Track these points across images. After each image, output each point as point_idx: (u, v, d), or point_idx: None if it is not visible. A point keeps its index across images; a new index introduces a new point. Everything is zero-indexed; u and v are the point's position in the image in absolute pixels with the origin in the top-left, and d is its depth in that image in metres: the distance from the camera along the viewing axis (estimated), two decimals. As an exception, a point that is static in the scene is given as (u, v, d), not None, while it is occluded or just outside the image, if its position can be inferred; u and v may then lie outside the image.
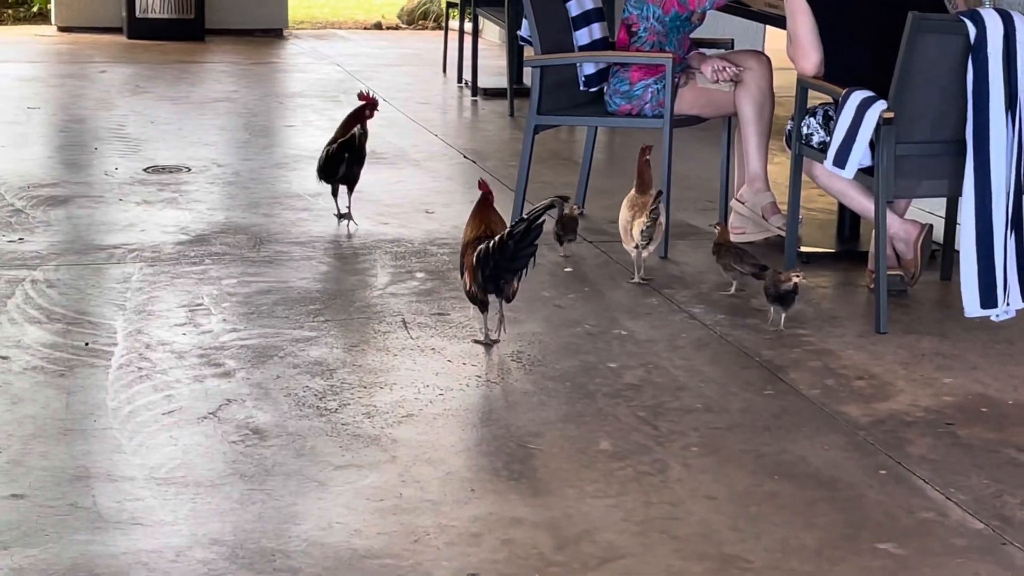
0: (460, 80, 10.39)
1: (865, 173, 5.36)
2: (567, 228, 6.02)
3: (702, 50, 6.43)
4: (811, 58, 5.54)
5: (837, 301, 5.68)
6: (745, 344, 5.10)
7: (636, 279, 5.76)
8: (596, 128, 6.84)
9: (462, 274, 5.02)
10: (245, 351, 4.90)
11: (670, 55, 6.09)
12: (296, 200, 6.95)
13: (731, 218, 6.41)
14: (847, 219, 6.34)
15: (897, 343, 5.17)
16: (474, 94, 10.01)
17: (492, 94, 9.91)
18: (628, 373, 4.80)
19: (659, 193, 5.62)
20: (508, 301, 5.02)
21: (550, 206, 4.90)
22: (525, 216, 4.85)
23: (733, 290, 5.67)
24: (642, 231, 5.58)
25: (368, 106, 6.64)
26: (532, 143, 6.35)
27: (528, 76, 7.65)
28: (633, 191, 5.78)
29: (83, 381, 4.60)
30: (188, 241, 6.19)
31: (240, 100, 9.53)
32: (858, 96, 5.26)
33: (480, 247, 4.90)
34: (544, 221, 4.84)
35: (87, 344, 4.91)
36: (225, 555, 3.54)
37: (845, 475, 4.08)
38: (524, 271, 4.94)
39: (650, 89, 6.24)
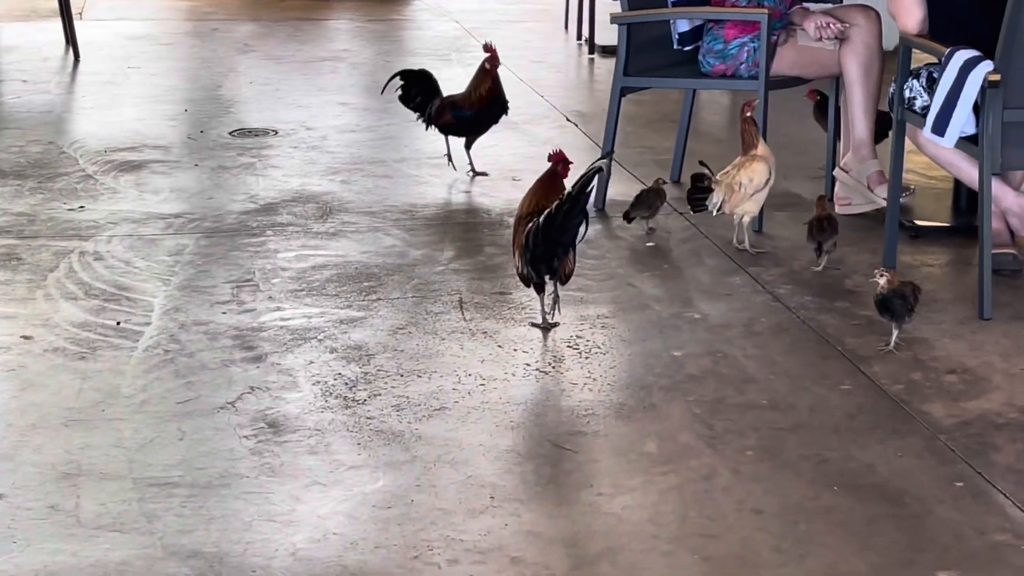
0: (580, 37, 9.95)
1: (969, 142, 4.83)
2: (639, 203, 5.55)
3: (805, 4, 5.92)
4: (914, 15, 5.02)
5: (942, 282, 5.17)
6: (828, 331, 4.63)
7: (746, 246, 5.33)
8: (694, 91, 6.35)
9: (513, 253, 4.62)
10: (283, 333, 4.57)
11: (766, 10, 5.61)
12: (378, 166, 6.60)
13: (836, 188, 5.91)
14: (964, 189, 5.79)
15: (1001, 332, 4.66)
16: (591, 52, 9.58)
17: (610, 52, 9.42)
18: (692, 363, 4.37)
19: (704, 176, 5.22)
20: (563, 283, 4.61)
21: (598, 171, 4.46)
22: (572, 186, 4.43)
23: (821, 267, 5.19)
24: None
25: (490, 59, 6.31)
26: (618, 108, 5.91)
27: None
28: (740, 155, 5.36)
29: (103, 365, 4.30)
30: (254, 210, 5.88)
31: (348, 60, 9.21)
32: (962, 56, 4.74)
33: (530, 225, 4.49)
34: (592, 189, 4.41)
35: (118, 323, 4.62)
36: (200, 570, 3.20)
37: (915, 487, 3.62)
38: (573, 247, 4.51)
39: (746, 48, 5.77)
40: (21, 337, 4.50)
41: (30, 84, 8.26)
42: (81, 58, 8.99)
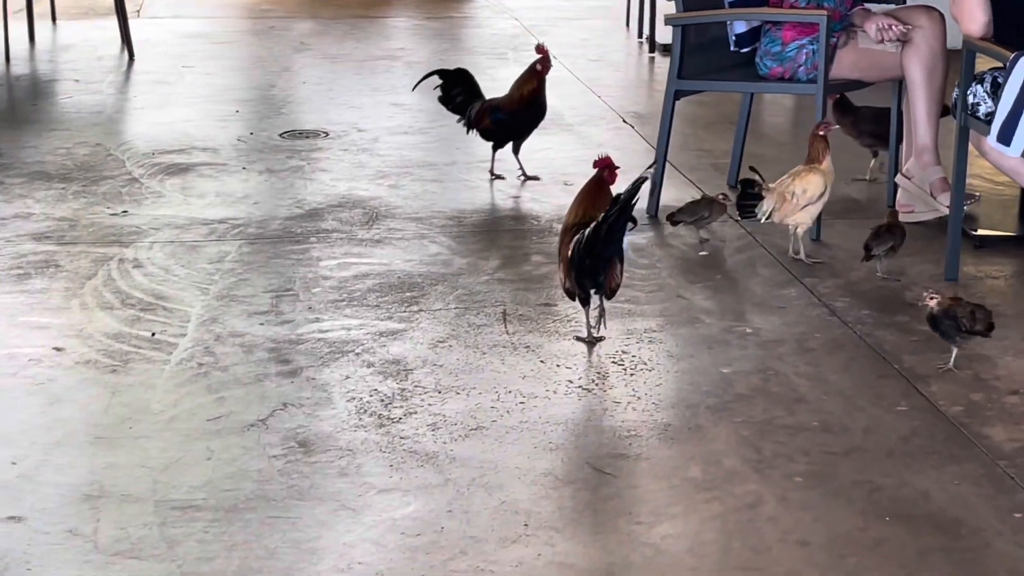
0: (640, 35, 9.79)
1: (1036, 151, 4.64)
2: (685, 209, 5.38)
3: (867, 6, 5.73)
4: (977, 19, 4.83)
5: (1006, 296, 4.97)
6: (886, 347, 4.45)
7: (801, 256, 5.17)
8: (752, 94, 6.18)
9: (559, 266, 4.47)
10: (320, 346, 4.44)
11: (825, 12, 5.42)
12: (428, 170, 6.47)
13: (898, 195, 5.72)
14: (1032, 198, 5.60)
15: (1067, 349, 4.46)
16: (651, 51, 9.41)
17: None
18: (741, 381, 4.20)
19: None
20: (609, 297, 4.46)
21: (644, 181, 4.29)
22: (618, 197, 4.28)
23: (881, 273, 5.01)
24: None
25: (542, 60, 6.17)
26: (672, 111, 5.74)
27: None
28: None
29: (134, 378, 4.19)
30: (300, 216, 5.75)
31: (403, 58, 9.08)
32: (1027, 61, 4.54)
33: (575, 238, 4.34)
34: (637, 201, 4.26)
35: (153, 334, 4.51)
36: (218, 602, 3.07)
37: (971, 517, 3.44)
38: (620, 259, 4.36)
39: (804, 50, 5.58)
40: (53, 349, 4.40)
41: (82, 84, 8.19)
42: (136, 57, 8.92)
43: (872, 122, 5.99)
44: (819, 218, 5.34)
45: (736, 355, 4.40)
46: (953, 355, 4.25)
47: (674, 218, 5.37)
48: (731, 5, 5.80)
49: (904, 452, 3.78)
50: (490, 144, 6.32)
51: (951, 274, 5.02)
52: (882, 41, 5.53)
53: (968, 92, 4.89)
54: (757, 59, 5.73)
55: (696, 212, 5.37)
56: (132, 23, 9.58)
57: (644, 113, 7.58)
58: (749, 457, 3.74)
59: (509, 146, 6.32)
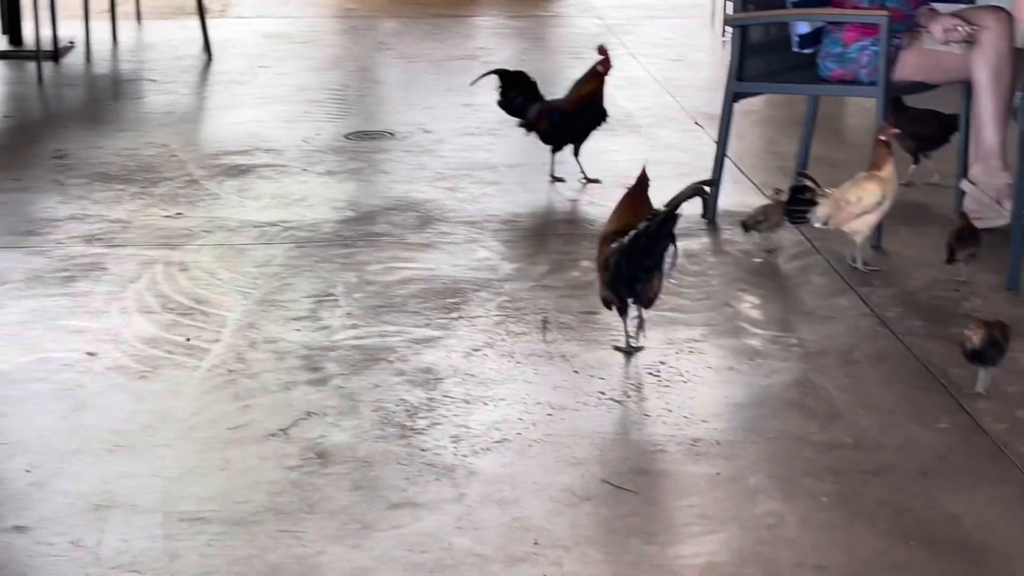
0: (724, 34, 9.64)
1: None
2: (756, 216, 5.25)
3: (933, 5, 5.56)
4: (1036, 18, 4.65)
5: (1068, 306, 4.79)
6: (933, 360, 4.31)
7: (858, 264, 5.03)
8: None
9: (598, 273, 4.37)
10: (354, 353, 4.38)
11: (886, 13, 5.27)
12: (489, 172, 6.39)
13: (965, 200, 5.55)
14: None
15: (1125, 364, 4.28)
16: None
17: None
18: (778, 394, 4.08)
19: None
20: (646, 307, 4.35)
21: (694, 193, 4.18)
22: (663, 206, 4.17)
23: (963, 277, 4.91)
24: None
25: (602, 62, 6.08)
26: (730, 114, 5.61)
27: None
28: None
29: (161, 385, 4.16)
30: (352, 219, 5.70)
31: (482, 58, 9.00)
32: (1086, 64, 4.36)
33: (613, 245, 4.24)
34: (681, 212, 4.15)
35: (187, 340, 4.47)
36: (209, 618, 3.02)
37: (1002, 543, 3.30)
38: (660, 271, 4.25)
39: (866, 52, 5.43)
40: (86, 353, 4.37)
41: (159, 84, 8.21)
42: (214, 57, 8.92)
43: (914, 124, 5.80)
44: (879, 226, 5.17)
45: (777, 367, 4.28)
46: (979, 378, 4.07)
47: (747, 225, 5.25)
48: (794, 5, 5.66)
49: (938, 472, 3.64)
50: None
51: (1011, 284, 4.86)
52: (947, 42, 5.36)
53: (1028, 96, 4.72)
54: (818, 60, 5.60)
55: (754, 218, 5.24)
56: (217, 22, 9.61)
57: (717, 115, 7.41)
58: (776, 475, 3.62)
59: (568, 152, 6.22)
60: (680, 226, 5.44)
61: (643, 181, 4.39)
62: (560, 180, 6.23)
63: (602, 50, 6.07)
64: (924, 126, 5.95)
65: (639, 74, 8.49)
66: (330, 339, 4.50)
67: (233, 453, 3.75)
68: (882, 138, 5.04)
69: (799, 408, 4.00)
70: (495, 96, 6.31)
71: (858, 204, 4.95)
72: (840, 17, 5.41)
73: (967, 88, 5.58)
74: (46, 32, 8.55)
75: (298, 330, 4.57)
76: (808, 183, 5.02)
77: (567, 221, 5.78)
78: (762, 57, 5.69)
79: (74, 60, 8.82)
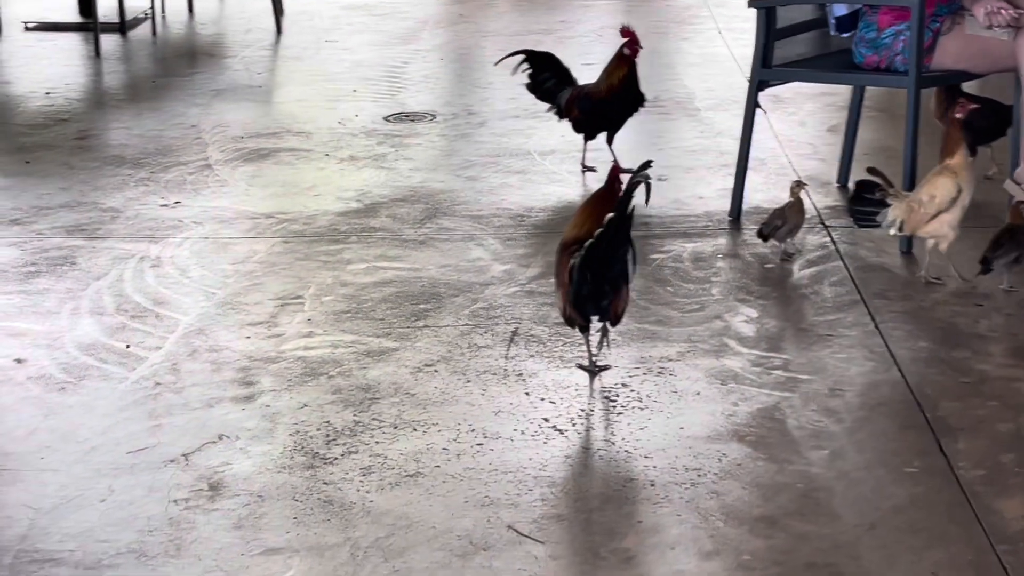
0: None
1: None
2: (772, 221, 4.81)
3: (981, -15, 5.03)
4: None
5: (1103, 326, 4.29)
6: (927, 390, 3.85)
7: (954, 274, 4.57)
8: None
9: (557, 290, 3.98)
10: (296, 366, 4.06)
11: (918, -5, 4.77)
12: (520, 160, 6.03)
13: (1013, 203, 5.03)
14: None
15: None
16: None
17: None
18: (739, 429, 3.68)
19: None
20: (614, 324, 3.96)
21: (636, 184, 3.77)
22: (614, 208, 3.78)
23: (1005, 286, 4.46)
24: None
25: (629, 43, 5.67)
26: (755, 102, 5.17)
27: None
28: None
29: (78, 399, 3.89)
30: (354, 211, 5.39)
31: (559, 33, 8.61)
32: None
33: (572, 260, 3.85)
34: (634, 209, 3.74)
35: (128, 346, 4.19)
36: None
37: (932, 622, 2.86)
38: (627, 281, 3.86)
39: (902, 37, 4.95)
40: (14, 360, 4.11)
41: (215, 59, 7.99)
42: (283, 31, 8.65)
43: (971, 113, 5.26)
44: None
45: (749, 394, 3.86)
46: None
47: (765, 233, 4.81)
48: (827, -14, 5.20)
49: (890, 528, 3.21)
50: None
51: (1043, 297, 4.37)
52: (991, 27, 4.85)
53: (1060, 91, 4.21)
54: (853, 46, 5.12)
55: (770, 223, 4.80)
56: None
57: (786, 97, 6.95)
58: (704, 526, 3.22)
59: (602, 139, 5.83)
60: (699, 225, 5.08)
61: (613, 181, 3.98)
62: (591, 170, 5.84)
63: (626, 31, 5.65)
64: (980, 116, 5.43)
65: (719, 51, 8.04)
66: (277, 349, 4.19)
67: (122, 482, 3.46)
68: (958, 116, 4.55)
69: (757, 445, 3.59)
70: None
71: (932, 204, 4.47)
72: (869, 0, 4.93)
73: (1018, 77, 5.05)
74: (118, 2, 8.36)
75: (248, 337, 4.27)
76: (878, 179, 4.53)
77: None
78: (798, 41, 5.23)
79: (143, 33, 8.62)
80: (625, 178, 3.83)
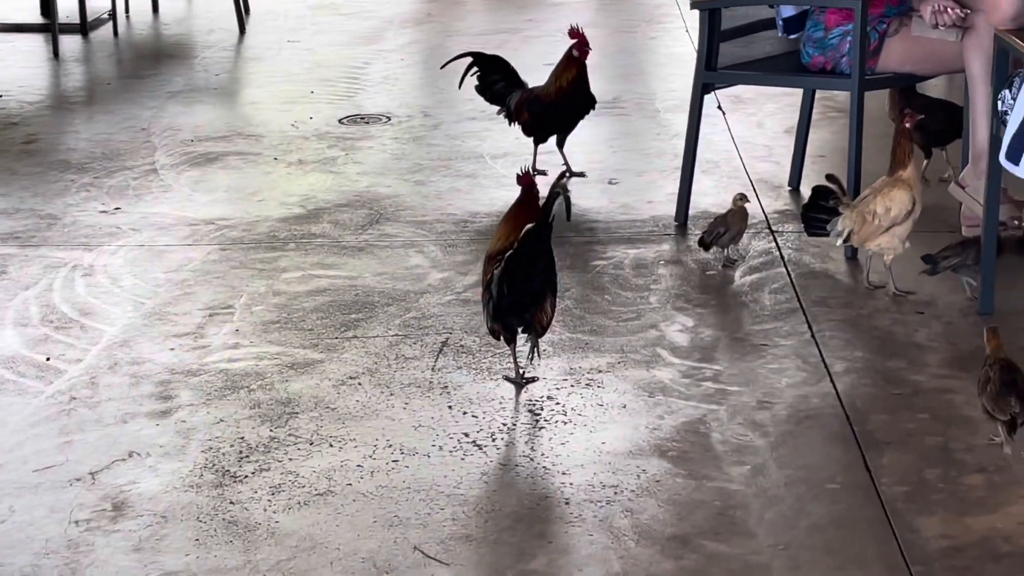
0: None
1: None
2: (714, 228, 4.73)
3: (930, -15, 4.93)
4: (1001, 7, 4.05)
5: (1046, 336, 4.19)
6: (858, 403, 3.77)
7: (891, 288, 4.45)
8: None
9: (483, 303, 3.90)
10: (217, 379, 3.98)
11: (860, -5, 4.68)
12: (471, 163, 5.94)
13: (962, 208, 4.95)
14: (1117, 212, 4.76)
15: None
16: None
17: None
18: (661, 443, 3.59)
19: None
20: (540, 335, 3.87)
21: (556, 195, 3.68)
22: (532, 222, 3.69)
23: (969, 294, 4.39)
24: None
25: (577, 45, 5.58)
26: (700, 107, 5.08)
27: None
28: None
29: (-10, 415, 3.79)
30: (296, 217, 5.30)
31: (525, 32, 8.51)
32: (1045, 63, 3.76)
33: (494, 272, 3.77)
34: (552, 220, 3.66)
35: (48, 359, 4.11)
36: None
37: (838, 648, 2.77)
38: (553, 291, 3.77)
39: (849, 38, 4.85)
40: (-70, 375, 4.03)
41: (176, 60, 7.89)
42: (247, 31, 8.55)
43: (924, 114, 5.16)
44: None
45: (676, 407, 3.78)
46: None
47: (707, 241, 4.72)
48: (773, -15, 5.11)
49: (805, 547, 3.12)
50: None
51: (985, 308, 4.28)
52: (937, 26, 4.75)
53: (998, 97, 4.12)
54: (801, 45, 5.02)
55: (712, 231, 4.71)
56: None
57: (747, 97, 6.85)
58: (611, 547, 3.14)
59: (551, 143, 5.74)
60: (644, 231, 4.99)
61: (528, 190, 3.89)
62: (542, 173, 5.74)
63: (574, 32, 5.56)
64: (935, 117, 5.34)
65: (685, 51, 7.93)
66: (200, 361, 4.10)
67: (24, 501, 3.37)
68: (908, 125, 4.46)
69: (678, 461, 3.50)
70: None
71: (887, 216, 4.38)
72: (813, 1, 4.84)
73: (966, 79, 4.95)
74: (79, 3, 8.27)
75: (172, 349, 4.18)
76: (834, 187, 4.43)
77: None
78: (744, 43, 5.14)
79: (105, 34, 8.52)
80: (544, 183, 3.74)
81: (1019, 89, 3.89)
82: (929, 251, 4.43)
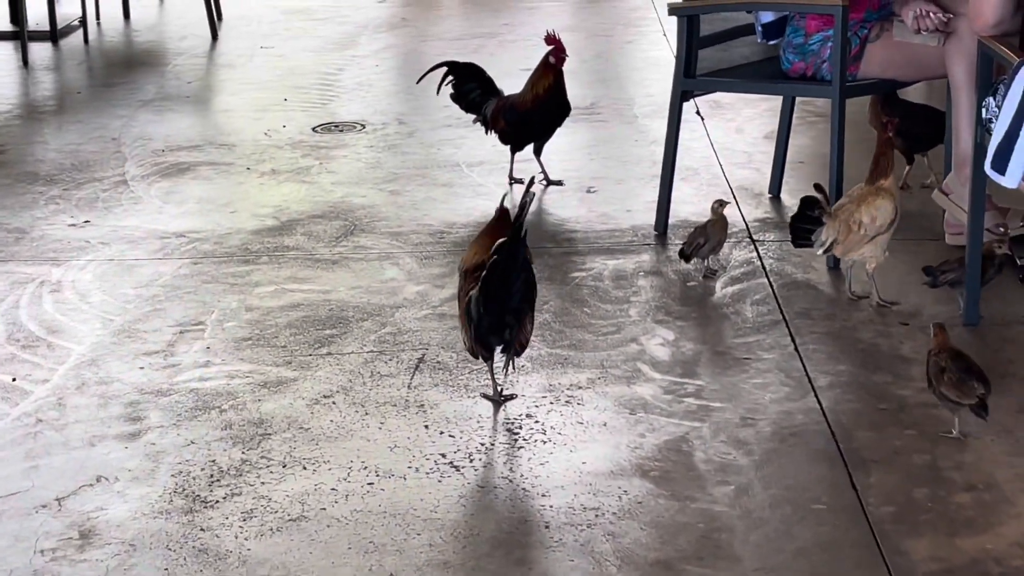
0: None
1: (1042, 180, 3.79)
2: (693, 239, 4.64)
3: (911, -11, 4.86)
4: (984, 14, 3.99)
5: (1029, 348, 4.12)
6: (844, 419, 3.69)
7: (875, 299, 4.36)
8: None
9: (460, 320, 3.81)
10: (188, 399, 3.88)
11: (840, 2, 4.60)
12: (447, 172, 5.84)
13: (946, 215, 4.88)
14: (1103, 218, 4.69)
15: (1070, 426, 3.62)
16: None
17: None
18: (643, 463, 3.51)
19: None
20: (519, 354, 3.79)
21: (527, 204, 3.59)
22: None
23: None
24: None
25: (554, 51, 5.49)
26: (679, 115, 4.99)
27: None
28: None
29: (-46, 439, 3.69)
30: (269, 229, 5.20)
31: (501, 37, 8.43)
32: (1030, 70, 3.69)
33: (471, 292, 3.68)
34: (526, 231, 3.57)
35: (13, 379, 4.01)
36: None
37: None
38: (531, 308, 3.69)
39: (829, 43, 4.77)
40: None
41: (146, 67, 7.78)
42: (219, 37, 8.45)
43: (905, 120, 5.09)
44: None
45: (657, 424, 3.69)
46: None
47: (687, 253, 4.64)
48: (755, -10, 5.03)
49: (791, 572, 3.05)
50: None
51: (970, 318, 4.20)
52: (919, 30, 4.68)
53: (982, 104, 4.04)
54: (780, 52, 4.95)
55: (691, 242, 4.63)
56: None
57: (725, 103, 6.77)
58: (592, 573, 3.06)
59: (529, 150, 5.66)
60: (624, 241, 4.91)
61: (501, 215, 3.81)
62: (519, 182, 5.67)
63: (551, 39, 5.47)
64: (916, 123, 5.27)
65: (663, 55, 7.86)
66: (171, 380, 4.01)
67: (-12, 530, 3.27)
68: (891, 133, 4.39)
69: (660, 481, 3.42)
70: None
71: (872, 226, 4.30)
72: (792, 7, 4.76)
73: (948, 85, 4.88)
74: (48, 10, 8.17)
75: (142, 368, 4.09)
76: (820, 197, 4.35)
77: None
78: (723, 47, 5.06)
79: (75, 41, 8.42)
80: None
81: (1004, 97, 3.81)
82: (913, 260, 4.36)
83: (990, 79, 4.05)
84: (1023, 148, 3.68)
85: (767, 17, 5.00)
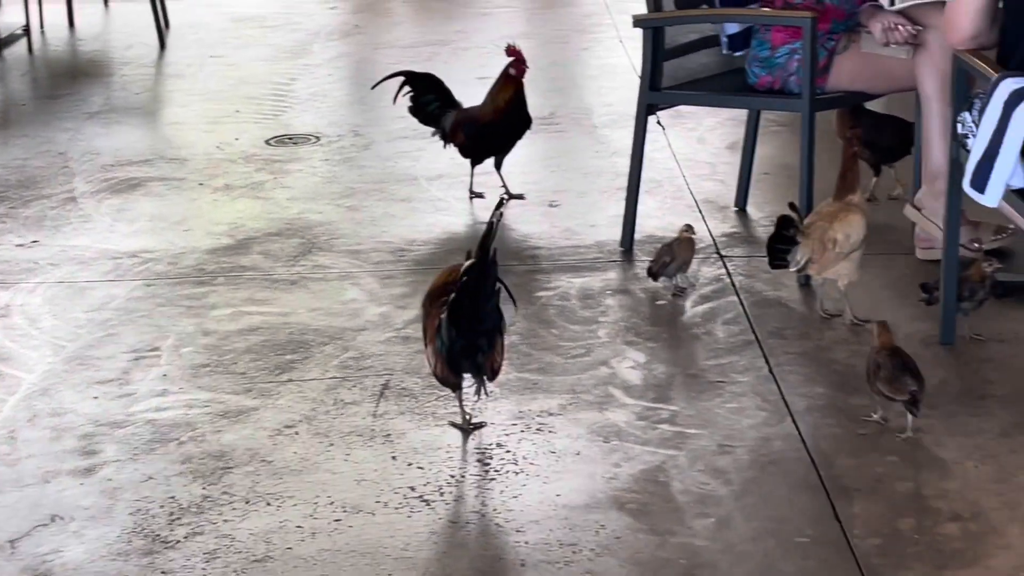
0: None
1: (1020, 196, 3.70)
2: (660, 257, 4.54)
3: (878, 2, 4.77)
4: (961, 27, 3.90)
5: (1008, 369, 4.03)
6: (823, 445, 3.59)
7: (848, 316, 4.27)
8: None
9: (425, 346, 3.69)
10: (145, 430, 3.75)
11: (808, 14, 4.51)
12: (405, 186, 5.72)
13: (916, 229, 4.79)
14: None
15: (1054, 451, 3.54)
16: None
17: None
18: (619, 495, 3.40)
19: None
20: (492, 379, 3.67)
21: (497, 223, 3.48)
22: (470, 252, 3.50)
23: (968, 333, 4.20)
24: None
25: (515, 63, 5.37)
26: (644, 128, 4.89)
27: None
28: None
29: (-99, 476, 3.54)
30: (224, 248, 5.06)
31: (455, 44, 8.30)
32: (1009, 86, 3.60)
33: (441, 316, 3.55)
34: (495, 250, 3.45)
35: (-38, 412, 3.85)
36: None
37: None
38: (501, 332, 3.57)
39: (796, 56, 4.68)
40: None
41: (90, 79, 7.62)
42: (167, 46, 8.29)
43: (872, 131, 5.01)
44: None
45: (632, 453, 3.58)
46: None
47: (655, 271, 4.53)
48: (722, 4, 4.92)
49: (777, 611, 2.93)
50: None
51: (946, 337, 4.11)
52: (888, 43, 4.59)
53: (958, 119, 3.95)
54: (746, 65, 4.85)
55: (658, 260, 4.53)
56: (187, 4, 9.01)
57: (685, 112, 6.65)
58: (573, 615, 2.93)
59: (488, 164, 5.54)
60: (589, 257, 4.80)
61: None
62: (479, 196, 5.55)
63: (511, 50, 5.36)
64: (884, 134, 5.19)
65: (620, 61, 7.76)
66: (126, 411, 3.87)
67: (-62, 576, 3.12)
68: (855, 148, 4.29)
69: (638, 514, 3.31)
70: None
71: (847, 243, 4.20)
72: (759, 19, 4.66)
73: (918, 97, 4.79)
74: None
75: (96, 398, 3.95)
76: (794, 216, 4.25)
77: (466, 249, 5.06)
78: (690, 60, 4.96)
79: (19, 51, 8.23)
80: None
81: (980, 113, 3.72)
82: (884, 275, 4.28)
83: (965, 93, 3.96)
84: (1003, 166, 3.58)
85: (732, 28, 4.90)
